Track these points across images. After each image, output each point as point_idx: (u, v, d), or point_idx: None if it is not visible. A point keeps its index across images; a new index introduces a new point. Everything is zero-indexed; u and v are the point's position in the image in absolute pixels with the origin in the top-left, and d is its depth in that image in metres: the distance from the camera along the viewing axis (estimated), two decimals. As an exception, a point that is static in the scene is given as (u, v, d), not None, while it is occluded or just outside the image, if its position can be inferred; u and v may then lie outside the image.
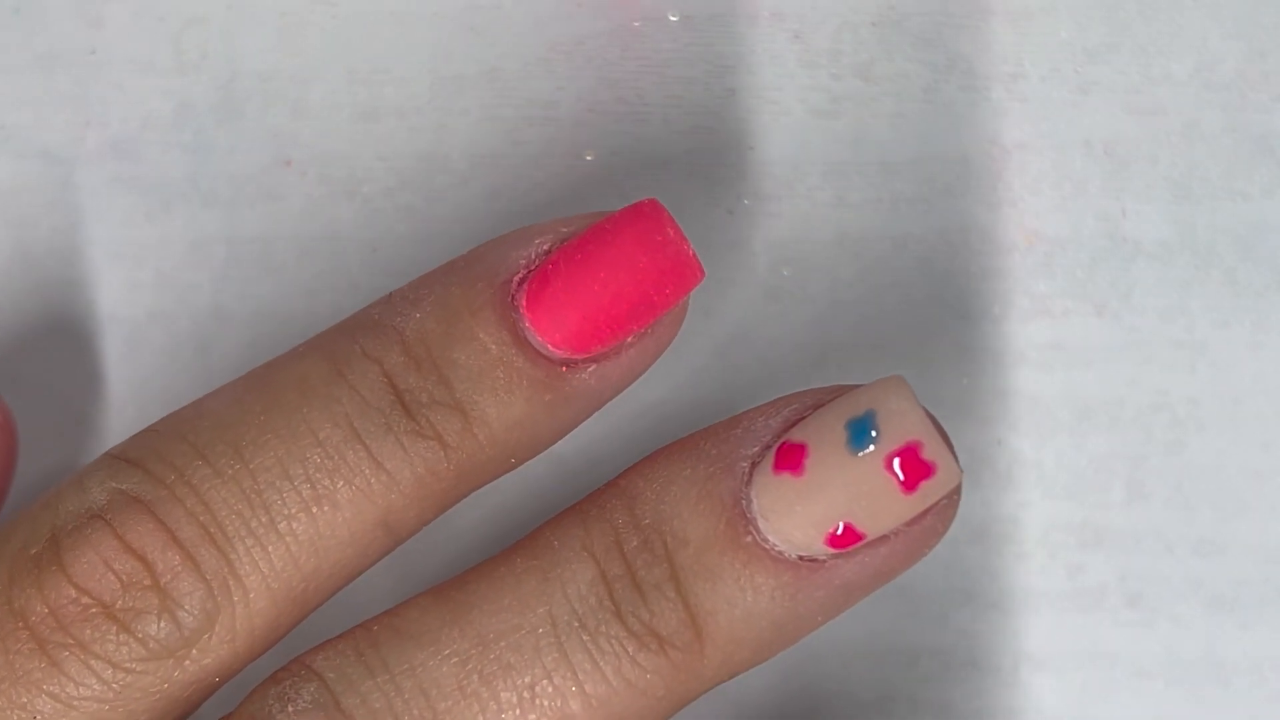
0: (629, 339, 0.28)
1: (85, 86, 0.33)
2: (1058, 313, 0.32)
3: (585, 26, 0.33)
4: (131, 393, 0.33)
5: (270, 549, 0.27)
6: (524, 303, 0.27)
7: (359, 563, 0.27)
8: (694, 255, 0.27)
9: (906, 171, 0.32)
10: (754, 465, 0.27)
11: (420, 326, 0.27)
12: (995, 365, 0.32)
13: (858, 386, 0.27)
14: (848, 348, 0.32)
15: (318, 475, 0.27)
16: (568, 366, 0.28)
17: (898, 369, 0.32)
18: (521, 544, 0.27)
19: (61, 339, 0.33)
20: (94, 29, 0.33)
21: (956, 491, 0.27)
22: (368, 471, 0.27)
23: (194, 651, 0.26)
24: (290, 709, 0.26)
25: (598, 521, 0.27)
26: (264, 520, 0.27)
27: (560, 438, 0.28)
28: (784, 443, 0.27)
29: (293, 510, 0.27)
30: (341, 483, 0.27)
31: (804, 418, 0.27)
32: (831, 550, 0.27)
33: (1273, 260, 0.32)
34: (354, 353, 0.27)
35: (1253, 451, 0.32)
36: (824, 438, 0.27)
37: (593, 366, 0.28)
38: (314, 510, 0.27)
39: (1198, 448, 0.32)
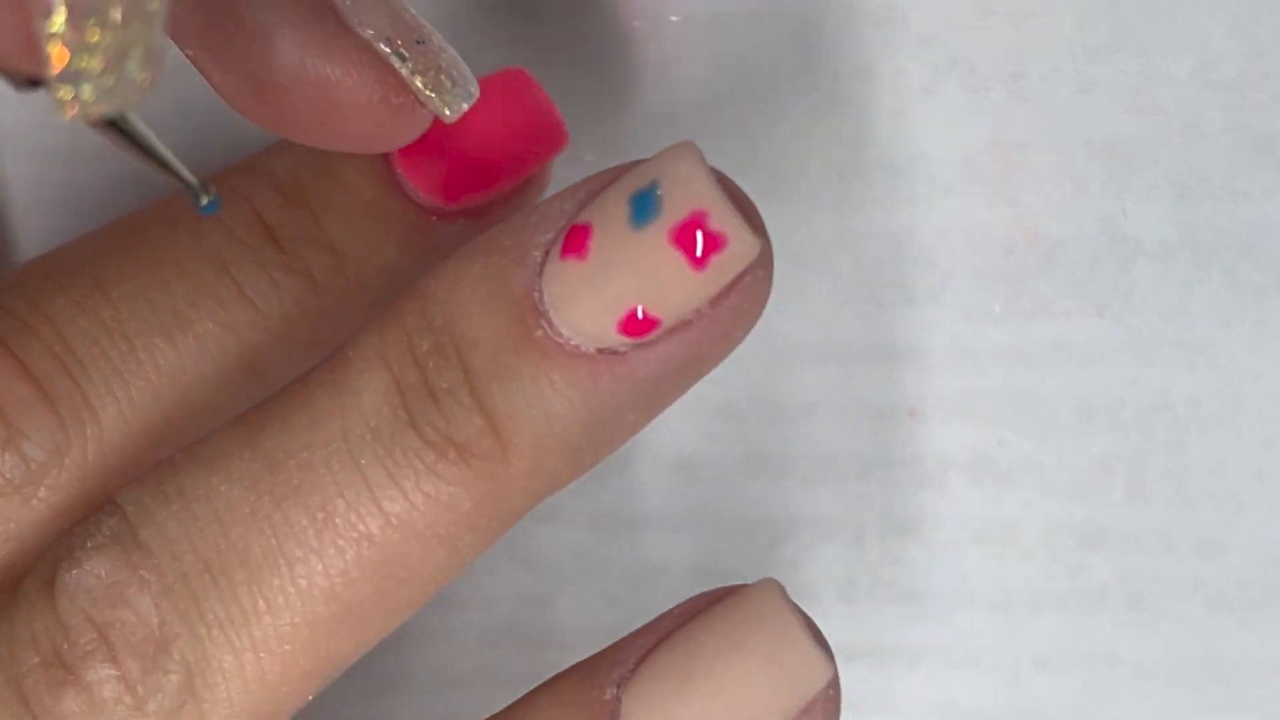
0: (495, 196, 0.27)
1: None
2: (1058, 313, 0.32)
3: (585, 27, 0.33)
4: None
5: (130, 380, 0.26)
6: (397, 151, 0.27)
7: (224, 407, 0.26)
8: (560, 120, 0.27)
9: (906, 171, 0.32)
10: (547, 254, 0.25)
11: (294, 169, 0.27)
12: (996, 365, 0.32)
13: (645, 159, 0.25)
14: (848, 347, 0.32)
15: (182, 306, 0.26)
16: (439, 216, 0.27)
17: (898, 368, 0.32)
18: (323, 361, 0.26)
19: None
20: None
21: (763, 267, 0.25)
22: (235, 305, 0.26)
23: (42, 490, 0.26)
24: (89, 544, 0.25)
25: (392, 326, 0.25)
26: (123, 349, 0.26)
27: None
28: (571, 225, 0.25)
29: (155, 340, 0.26)
30: (207, 315, 0.26)
31: (595, 198, 0.25)
32: (629, 340, 0.25)
33: (1274, 260, 0.32)
34: (224, 191, 0.26)
35: (1254, 452, 0.32)
36: (607, 215, 0.25)
37: (462, 220, 0.27)
38: (177, 340, 0.26)
39: (1199, 448, 0.32)
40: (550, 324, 0.25)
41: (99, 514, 0.25)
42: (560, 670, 0.26)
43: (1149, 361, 0.32)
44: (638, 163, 0.25)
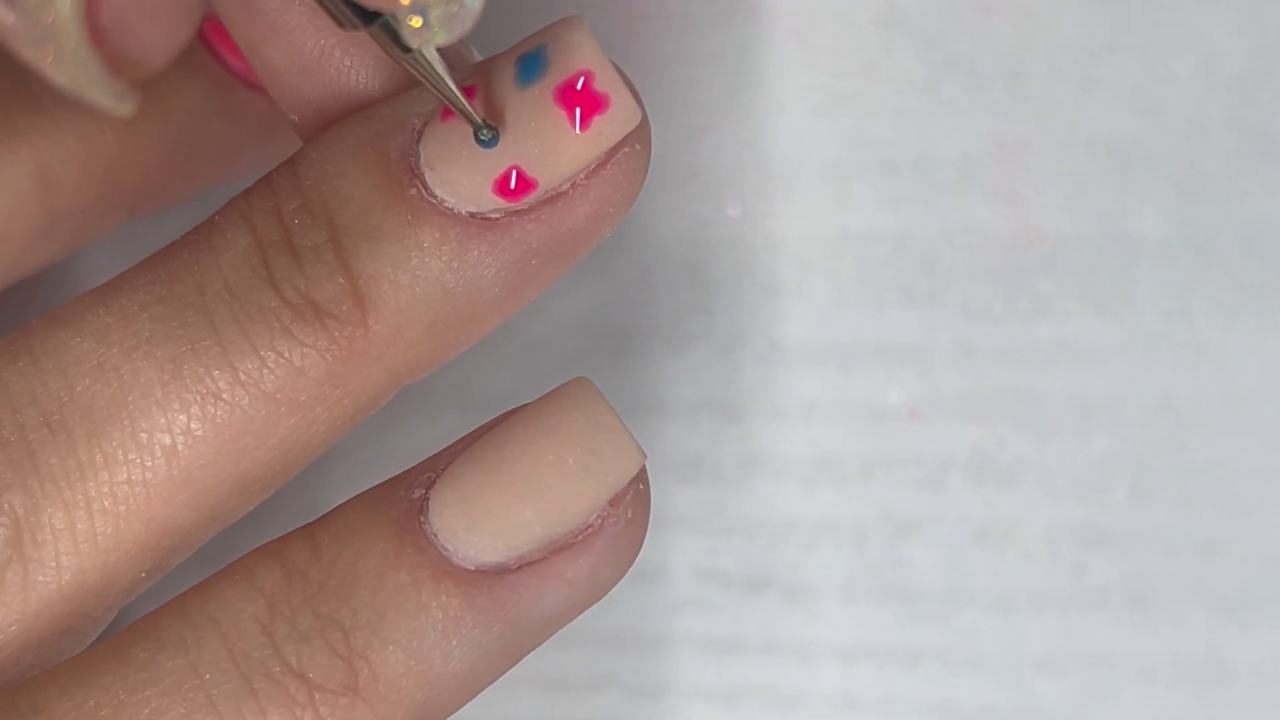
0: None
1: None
2: (1059, 312, 0.32)
3: (585, 25, 0.33)
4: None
5: None
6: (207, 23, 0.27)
7: (13, 232, 0.26)
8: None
9: (907, 171, 0.32)
10: (426, 123, 0.25)
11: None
12: (997, 365, 0.32)
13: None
14: (848, 347, 0.32)
15: None
16: (247, 84, 0.28)
17: (898, 368, 0.32)
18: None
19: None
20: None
21: (641, 141, 0.25)
22: (36, 118, 0.26)
23: None
24: None
25: (260, 189, 0.25)
26: None
27: None
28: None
29: None
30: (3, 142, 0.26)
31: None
32: (504, 203, 0.24)
33: (1276, 259, 0.32)
34: None
35: (1256, 452, 0.32)
36: (492, 75, 0.25)
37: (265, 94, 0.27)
38: None
39: (1200, 448, 0.32)
40: (424, 184, 0.24)
41: None
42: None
43: (1150, 361, 0.32)
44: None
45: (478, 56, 0.27)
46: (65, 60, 0.20)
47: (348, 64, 0.25)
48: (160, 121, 0.27)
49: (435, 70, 0.24)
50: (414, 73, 0.24)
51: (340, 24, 0.23)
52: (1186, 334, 0.32)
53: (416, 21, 0.22)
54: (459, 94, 0.24)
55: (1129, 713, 0.32)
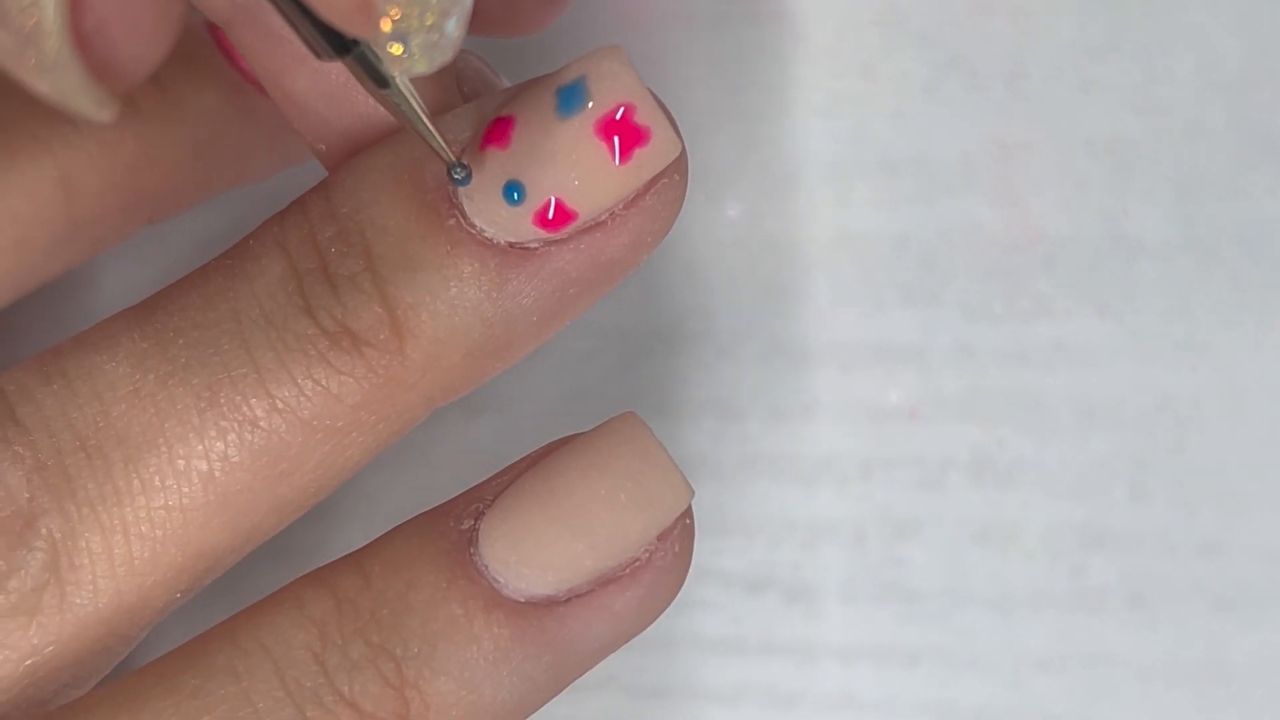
0: None
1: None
2: (1059, 312, 0.32)
3: (586, 26, 0.33)
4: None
5: None
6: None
7: (30, 217, 0.26)
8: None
9: (907, 171, 0.32)
10: (463, 149, 0.25)
11: None
12: (997, 365, 0.32)
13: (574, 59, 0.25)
14: (848, 347, 0.32)
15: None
16: (257, 88, 0.28)
17: (898, 369, 0.32)
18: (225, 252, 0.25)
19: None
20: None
21: (679, 172, 0.25)
22: (57, 124, 0.26)
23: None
24: None
25: (293, 215, 0.25)
26: None
27: None
28: (493, 118, 0.25)
29: None
30: (23, 132, 0.26)
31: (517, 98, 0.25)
32: (543, 233, 0.24)
33: (1276, 259, 0.32)
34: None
35: (1256, 452, 0.32)
36: (532, 106, 0.24)
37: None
38: None
39: (1200, 448, 0.32)
40: (463, 213, 0.24)
41: None
42: None
43: (1150, 361, 0.32)
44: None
45: (505, 83, 0.27)
46: (47, 66, 0.20)
47: None
48: (179, 127, 0.27)
49: (411, 104, 0.23)
50: (388, 107, 0.24)
51: (317, 54, 0.22)
52: (1186, 334, 0.32)
53: (397, 49, 0.21)
54: (433, 129, 0.24)
55: (1129, 713, 0.32)
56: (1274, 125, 0.32)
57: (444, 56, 0.22)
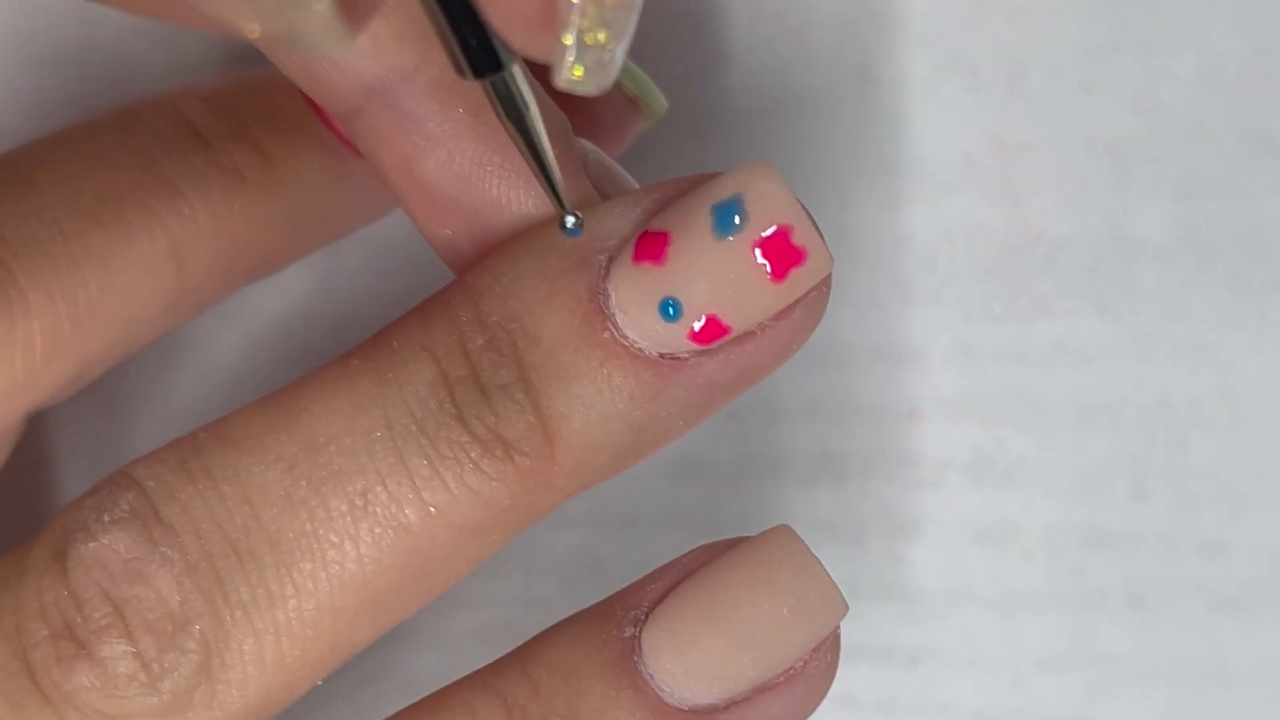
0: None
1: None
2: (1060, 312, 0.32)
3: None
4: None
5: (57, 257, 0.26)
6: None
7: (145, 292, 0.26)
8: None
9: (907, 171, 0.32)
10: (612, 259, 0.25)
11: (219, 85, 0.27)
12: (997, 365, 0.32)
13: (723, 173, 0.25)
14: (848, 347, 0.32)
15: (109, 194, 0.26)
16: (353, 149, 0.28)
17: (898, 369, 0.32)
18: (360, 346, 0.25)
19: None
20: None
21: (826, 283, 0.25)
22: (161, 193, 0.26)
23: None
24: (105, 518, 0.25)
25: (440, 319, 0.25)
26: (52, 231, 0.26)
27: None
28: (645, 231, 0.25)
29: (80, 224, 0.26)
30: (133, 202, 0.26)
31: (665, 207, 0.25)
32: (695, 346, 0.25)
33: (1276, 259, 0.32)
34: (153, 99, 0.27)
35: (1255, 452, 0.32)
36: (688, 224, 0.25)
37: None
38: (104, 223, 0.26)
39: (1200, 448, 0.32)
40: (616, 326, 0.25)
41: (112, 487, 0.25)
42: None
43: (1150, 361, 0.32)
44: (713, 175, 0.25)
45: (634, 184, 0.27)
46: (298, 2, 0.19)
47: (507, 171, 0.25)
48: (281, 194, 0.28)
49: (542, 137, 0.24)
50: (515, 139, 0.24)
51: (460, 72, 0.22)
52: (1186, 334, 0.32)
53: (574, 62, 0.21)
54: (556, 169, 0.24)
55: (1129, 713, 0.32)
56: (1274, 125, 0.32)
57: (608, 80, 0.22)
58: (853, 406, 0.32)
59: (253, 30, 0.19)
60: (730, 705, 0.25)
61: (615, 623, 0.26)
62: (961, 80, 0.32)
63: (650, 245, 0.25)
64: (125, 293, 0.26)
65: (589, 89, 0.22)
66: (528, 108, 0.23)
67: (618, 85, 0.27)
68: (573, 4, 0.21)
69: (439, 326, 0.25)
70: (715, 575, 0.26)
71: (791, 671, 0.26)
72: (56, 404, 0.28)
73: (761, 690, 0.25)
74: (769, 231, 0.24)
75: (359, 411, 0.25)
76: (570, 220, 0.24)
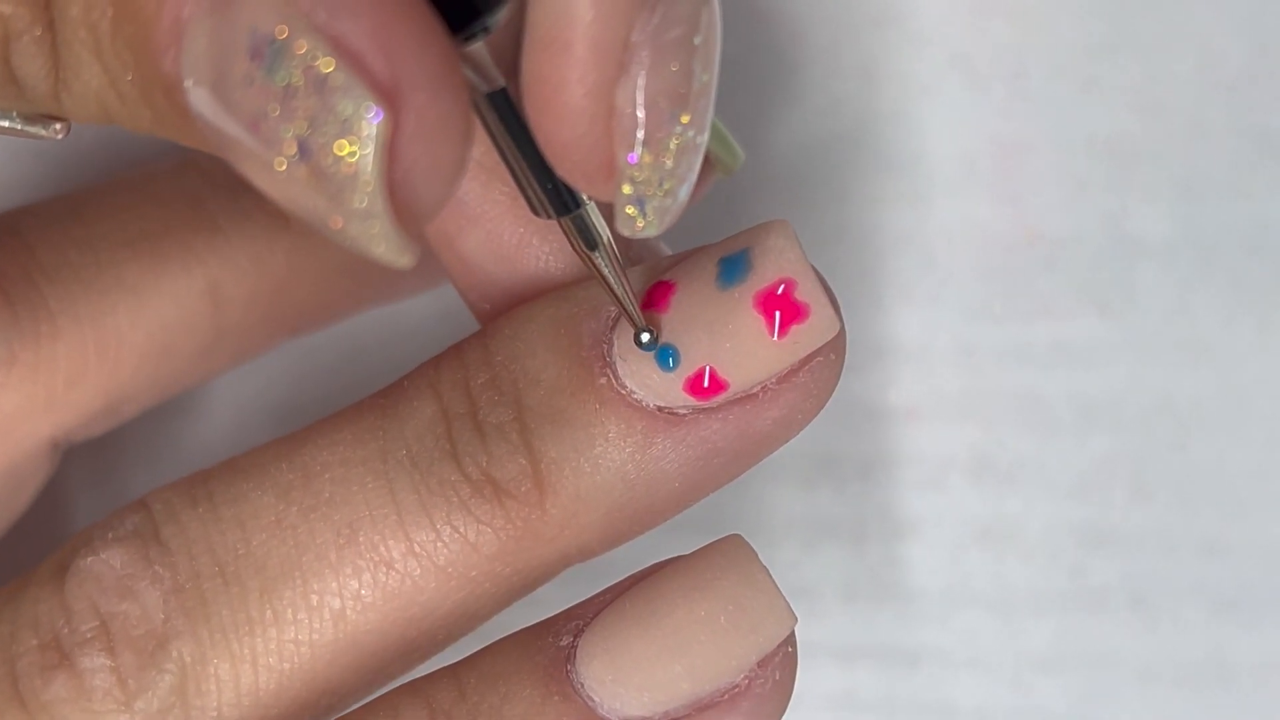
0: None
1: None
2: (1060, 312, 0.32)
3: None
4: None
5: (90, 284, 0.26)
6: None
7: (178, 327, 0.27)
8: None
9: (906, 171, 0.32)
10: (620, 313, 0.25)
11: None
12: (997, 365, 0.32)
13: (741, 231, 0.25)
14: (848, 347, 0.32)
15: (153, 228, 0.27)
16: None
17: (898, 368, 0.32)
18: (385, 387, 0.26)
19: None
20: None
21: (836, 351, 0.25)
22: (202, 231, 0.26)
23: None
24: (110, 535, 0.25)
25: (451, 358, 0.25)
26: (88, 259, 0.26)
27: None
28: (656, 281, 0.25)
29: (119, 254, 0.26)
30: (174, 238, 0.26)
31: (682, 262, 0.25)
32: (693, 400, 0.24)
33: (1277, 259, 0.32)
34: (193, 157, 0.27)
35: (1256, 452, 0.32)
36: (694, 274, 0.25)
37: None
38: (141, 254, 0.26)
39: (1201, 448, 0.32)
40: (615, 373, 0.24)
41: (125, 510, 0.25)
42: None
43: (1150, 361, 0.32)
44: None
45: (666, 250, 0.27)
46: (358, 214, 0.19)
47: (545, 251, 0.25)
48: (327, 245, 0.27)
49: (616, 266, 0.24)
50: (592, 269, 0.24)
51: (535, 211, 0.23)
52: (1186, 334, 0.32)
53: (632, 210, 0.22)
54: (630, 294, 0.24)
55: (1129, 713, 0.32)
56: (1275, 124, 0.32)
57: (673, 219, 0.22)
58: (853, 406, 0.32)
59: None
60: None
61: (554, 632, 0.25)
62: (962, 79, 0.32)
63: (656, 294, 0.25)
64: (157, 325, 0.26)
65: (651, 233, 0.22)
66: (601, 238, 0.23)
67: None
68: (630, 162, 0.21)
69: (448, 365, 0.25)
70: (656, 583, 0.25)
71: (735, 689, 0.25)
72: (89, 438, 0.28)
73: (701, 708, 0.24)
74: (771, 284, 0.24)
75: (358, 443, 0.25)
76: (645, 336, 0.24)
